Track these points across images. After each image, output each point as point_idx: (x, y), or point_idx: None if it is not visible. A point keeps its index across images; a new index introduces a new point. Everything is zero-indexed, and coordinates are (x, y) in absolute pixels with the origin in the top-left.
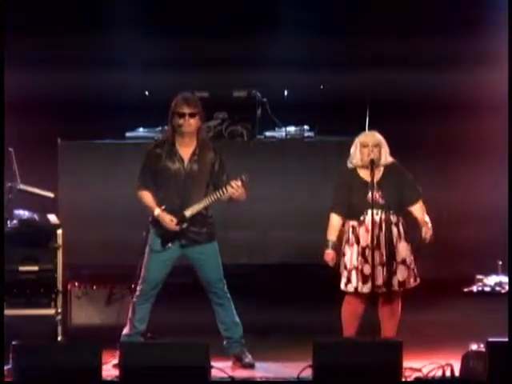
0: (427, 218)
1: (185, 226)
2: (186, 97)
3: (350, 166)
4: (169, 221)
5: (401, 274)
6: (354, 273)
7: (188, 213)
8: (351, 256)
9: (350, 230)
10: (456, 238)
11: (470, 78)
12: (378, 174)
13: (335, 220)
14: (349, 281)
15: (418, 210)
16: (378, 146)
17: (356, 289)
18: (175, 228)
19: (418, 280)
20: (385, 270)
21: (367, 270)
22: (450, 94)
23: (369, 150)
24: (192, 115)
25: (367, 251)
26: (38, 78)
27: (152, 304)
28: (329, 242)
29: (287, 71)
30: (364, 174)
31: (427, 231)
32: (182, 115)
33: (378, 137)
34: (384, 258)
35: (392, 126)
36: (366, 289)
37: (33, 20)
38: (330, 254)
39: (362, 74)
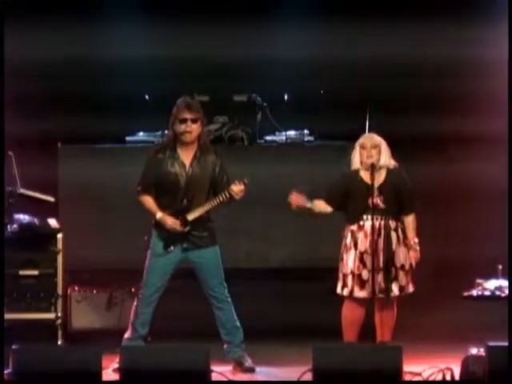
0: (416, 238)
1: (187, 229)
2: (188, 102)
3: (352, 168)
4: (171, 222)
5: (401, 279)
6: (350, 277)
7: (190, 216)
8: (348, 260)
9: (349, 234)
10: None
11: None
12: (380, 177)
13: (323, 204)
14: (345, 285)
15: (409, 222)
16: (376, 147)
17: (351, 293)
18: (179, 229)
19: (413, 287)
20: (382, 275)
21: (365, 275)
22: None
23: (367, 151)
24: (194, 120)
25: (365, 256)
26: (38, 81)
27: (154, 308)
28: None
29: (287, 75)
30: (366, 177)
31: (413, 255)
32: (184, 121)
33: (376, 138)
34: (381, 263)
35: None
36: (363, 294)
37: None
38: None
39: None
